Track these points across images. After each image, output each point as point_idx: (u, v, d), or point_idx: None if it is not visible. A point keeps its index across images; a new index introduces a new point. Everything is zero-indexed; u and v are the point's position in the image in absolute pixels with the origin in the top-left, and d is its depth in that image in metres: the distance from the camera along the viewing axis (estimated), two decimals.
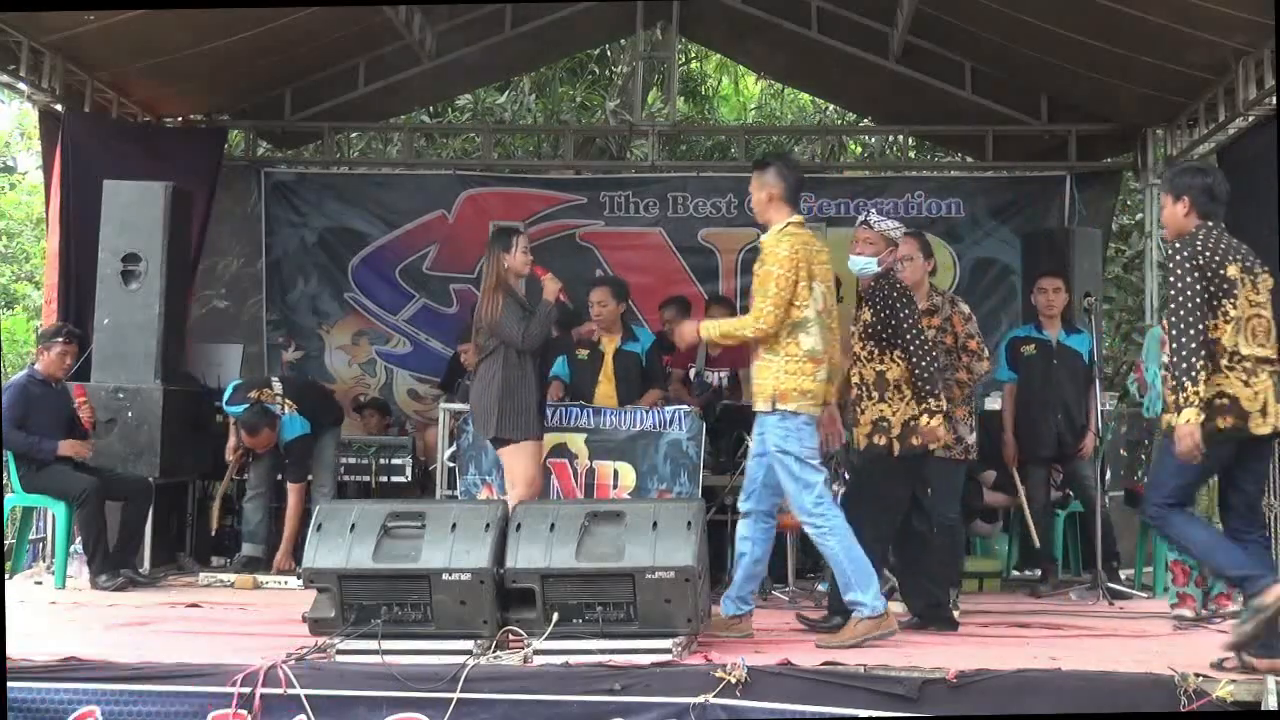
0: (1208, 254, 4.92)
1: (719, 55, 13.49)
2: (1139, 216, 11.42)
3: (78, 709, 4.69)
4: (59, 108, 8.70)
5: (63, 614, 6.32)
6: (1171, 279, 4.94)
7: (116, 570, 7.14)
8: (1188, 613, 6.19)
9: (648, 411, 7.19)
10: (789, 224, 5.63)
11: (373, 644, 4.94)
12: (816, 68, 10.71)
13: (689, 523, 5.07)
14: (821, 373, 5.55)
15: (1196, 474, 5.07)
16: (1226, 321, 4.92)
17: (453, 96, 12.36)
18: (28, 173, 17.51)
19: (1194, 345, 4.81)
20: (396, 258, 10.47)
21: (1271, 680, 4.58)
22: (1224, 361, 4.93)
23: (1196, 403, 4.79)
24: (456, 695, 4.64)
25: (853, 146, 13.49)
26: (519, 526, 5.12)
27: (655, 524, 5.05)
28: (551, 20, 10.00)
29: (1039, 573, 7.63)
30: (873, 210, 7.10)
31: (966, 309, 6.47)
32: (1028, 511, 7.50)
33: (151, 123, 9.68)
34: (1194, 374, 4.80)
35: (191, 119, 10.10)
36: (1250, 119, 8.22)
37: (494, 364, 6.21)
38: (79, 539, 7.22)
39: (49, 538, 7.78)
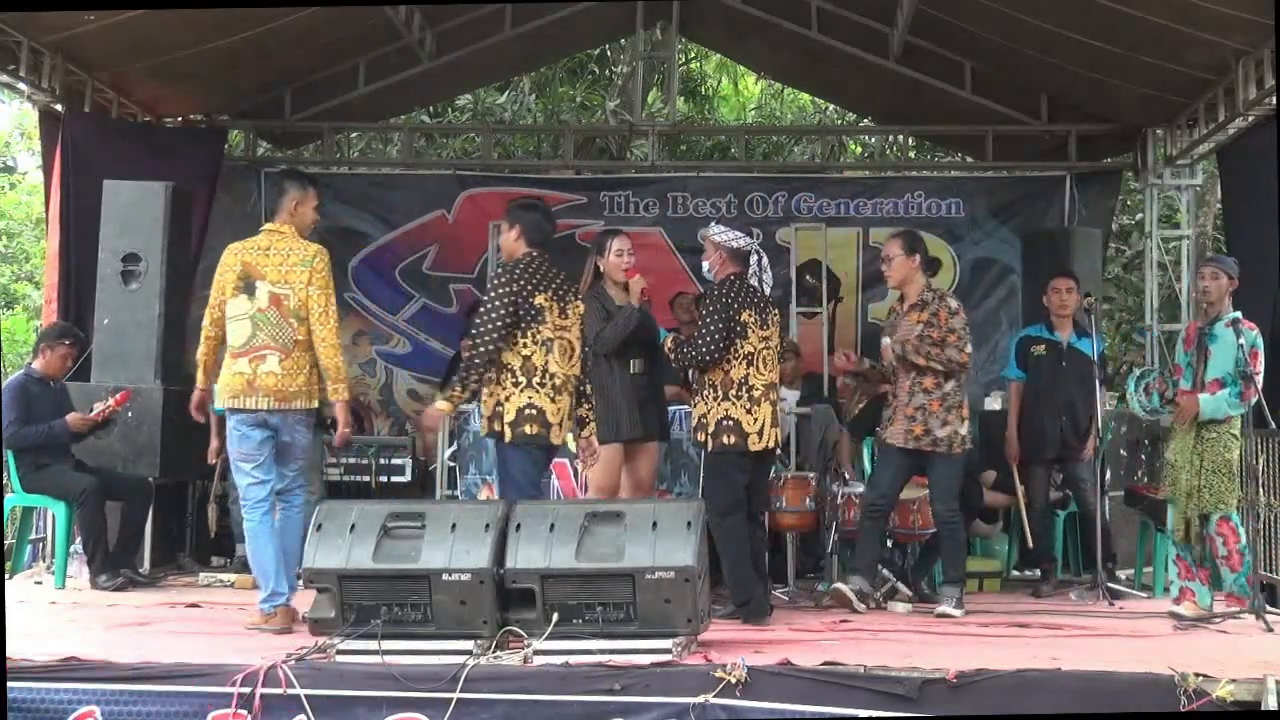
0: (522, 282, 5.69)
1: (719, 55, 13.49)
2: (1139, 216, 11.42)
3: (78, 709, 4.68)
4: (59, 108, 8.70)
5: (63, 614, 6.30)
6: (489, 295, 5.73)
7: (116, 570, 7.12)
8: (1187, 611, 6.20)
9: None
10: (262, 231, 5.96)
11: (373, 644, 4.93)
12: (816, 68, 10.70)
13: (689, 523, 5.06)
14: (242, 364, 5.76)
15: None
16: (536, 343, 5.68)
17: (453, 96, 12.37)
18: (28, 173, 17.52)
19: (479, 361, 5.61)
20: (396, 258, 10.49)
21: (1271, 680, 4.58)
22: (536, 377, 5.67)
23: (456, 401, 5.79)
24: (456, 695, 4.63)
25: (853, 146, 13.51)
26: (519, 527, 5.12)
27: (655, 524, 5.04)
28: (551, 20, 10.00)
29: (1039, 573, 7.63)
30: (714, 222, 7.17)
31: (954, 303, 6.61)
32: (1024, 511, 7.51)
33: (151, 123, 9.68)
34: (468, 381, 5.64)
35: (191, 119, 10.09)
36: (1250, 119, 8.23)
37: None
38: (79, 539, 7.21)
39: (49, 538, 7.76)
